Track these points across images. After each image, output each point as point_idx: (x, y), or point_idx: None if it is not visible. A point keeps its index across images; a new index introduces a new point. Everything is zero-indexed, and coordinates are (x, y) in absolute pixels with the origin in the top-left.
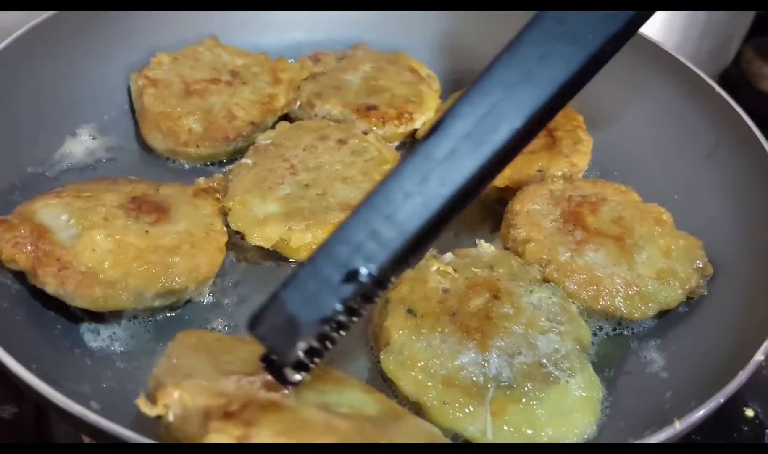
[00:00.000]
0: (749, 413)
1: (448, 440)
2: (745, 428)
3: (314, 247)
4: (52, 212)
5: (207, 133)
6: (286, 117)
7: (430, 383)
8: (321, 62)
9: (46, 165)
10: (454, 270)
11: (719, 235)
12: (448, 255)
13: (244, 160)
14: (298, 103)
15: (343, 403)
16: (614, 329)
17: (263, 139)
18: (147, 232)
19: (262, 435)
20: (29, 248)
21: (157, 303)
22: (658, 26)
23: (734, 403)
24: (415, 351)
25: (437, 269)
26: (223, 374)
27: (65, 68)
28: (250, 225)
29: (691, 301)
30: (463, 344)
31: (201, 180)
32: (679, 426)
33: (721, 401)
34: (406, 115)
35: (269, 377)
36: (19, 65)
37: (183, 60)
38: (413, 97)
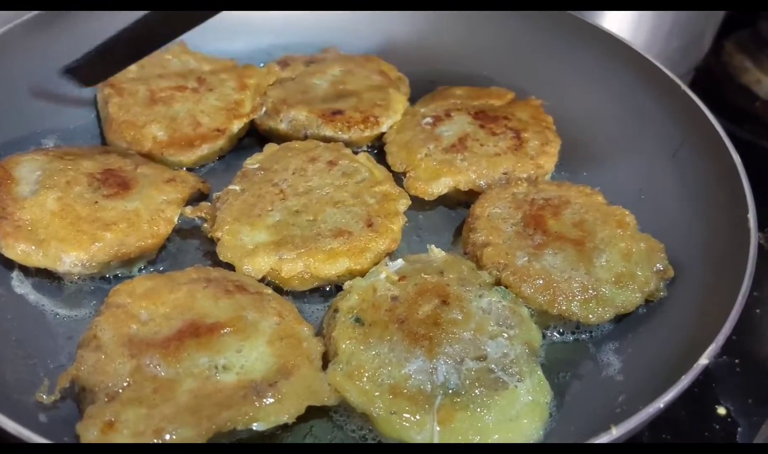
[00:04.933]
0: (721, 411)
1: (332, 397)
2: (717, 427)
3: (306, 277)
4: (30, 167)
5: (172, 140)
6: (252, 123)
7: (377, 393)
8: (290, 66)
9: None
10: (404, 277)
11: (682, 236)
12: (399, 261)
13: (231, 187)
14: (264, 109)
15: (236, 363)
16: (573, 333)
17: (251, 163)
18: (96, 202)
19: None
20: None
21: (77, 270)
22: (626, 25)
23: (706, 401)
24: (363, 361)
25: (386, 277)
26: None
27: (29, 77)
28: (240, 256)
29: (650, 303)
30: (411, 352)
31: (188, 209)
32: (615, 432)
33: (661, 406)
34: (372, 119)
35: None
36: None
37: (150, 68)
38: (380, 101)
